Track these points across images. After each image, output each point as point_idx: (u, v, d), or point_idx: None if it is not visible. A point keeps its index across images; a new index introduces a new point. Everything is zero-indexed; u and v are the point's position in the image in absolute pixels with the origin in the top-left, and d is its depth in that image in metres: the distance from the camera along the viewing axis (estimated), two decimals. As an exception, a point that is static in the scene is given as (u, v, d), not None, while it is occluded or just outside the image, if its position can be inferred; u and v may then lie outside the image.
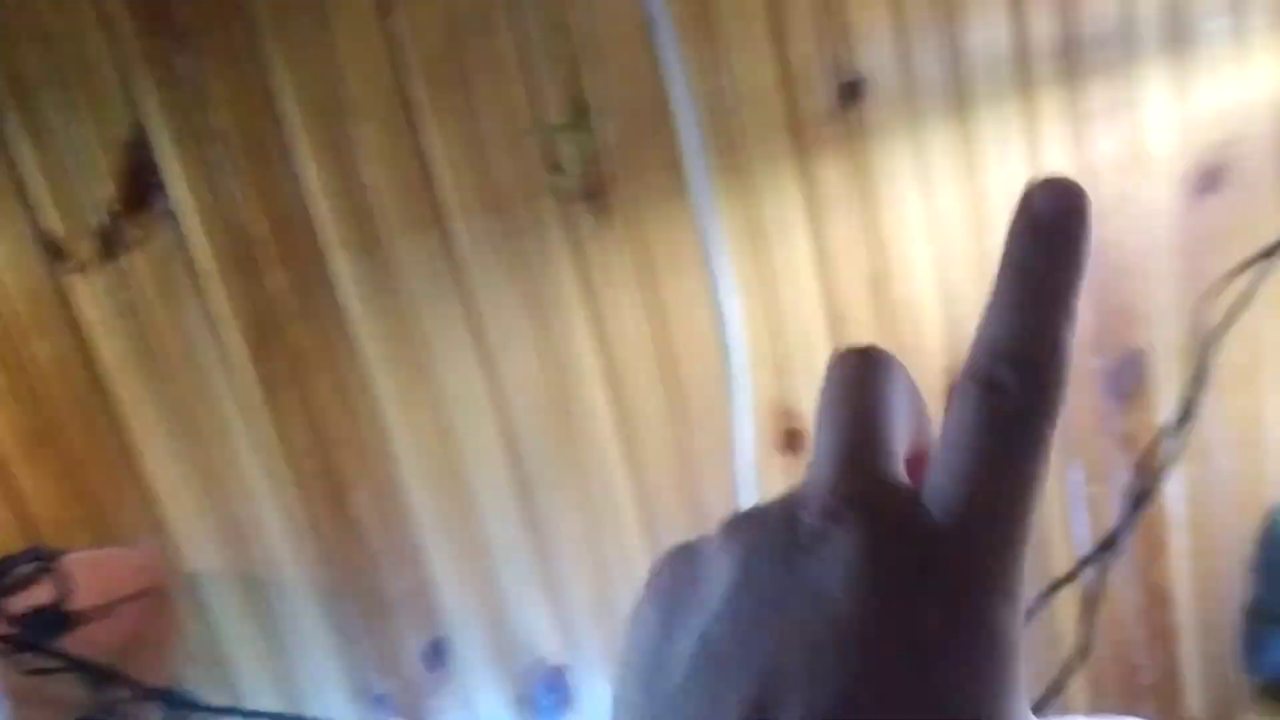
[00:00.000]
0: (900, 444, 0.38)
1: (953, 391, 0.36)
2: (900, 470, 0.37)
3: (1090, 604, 1.07)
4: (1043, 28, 0.97)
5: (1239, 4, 0.99)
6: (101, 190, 0.87)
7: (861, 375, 0.39)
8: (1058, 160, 1.00)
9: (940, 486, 0.36)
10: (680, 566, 0.40)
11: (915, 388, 0.40)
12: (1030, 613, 0.92)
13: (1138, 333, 1.09)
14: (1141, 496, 1.08)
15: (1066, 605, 1.09)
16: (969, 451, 0.35)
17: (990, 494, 0.35)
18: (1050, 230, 0.38)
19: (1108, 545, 1.07)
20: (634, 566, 1.03)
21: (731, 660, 0.36)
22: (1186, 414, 1.04)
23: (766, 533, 0.37)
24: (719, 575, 0.38)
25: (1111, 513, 1.10)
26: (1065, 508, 1.11)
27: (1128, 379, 1.12)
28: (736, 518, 0.38)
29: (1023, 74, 0.99)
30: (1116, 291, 1.09)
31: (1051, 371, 0.36)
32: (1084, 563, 1.07)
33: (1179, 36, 0.99)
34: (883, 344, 0.39)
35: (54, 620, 0.79)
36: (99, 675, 0.79)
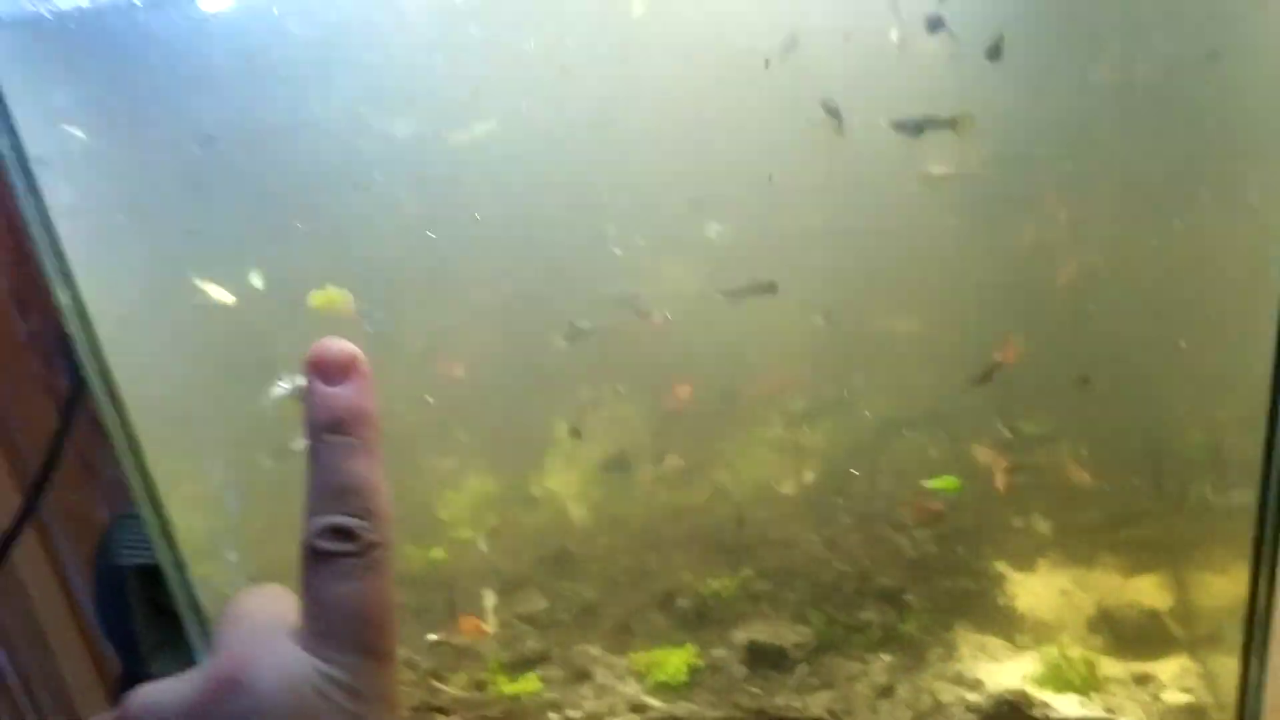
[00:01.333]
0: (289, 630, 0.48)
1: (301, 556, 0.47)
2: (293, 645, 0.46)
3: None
4: None
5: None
6: None
7: (251, 594, 0.51)
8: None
9: (319, 632, 0.46)
10: None
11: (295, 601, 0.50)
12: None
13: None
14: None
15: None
16: (338, 596, 0.46)
17: (365, 628, 0.46)
18: (335, 390, 0.49)
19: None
20: None
21: None
22: None
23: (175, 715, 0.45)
24: None
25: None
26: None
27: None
28: (140, 704, 0.46)
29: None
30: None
31: (374, 513, 0.47)
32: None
33: None
34: None
35: None
36: None
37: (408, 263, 0.86)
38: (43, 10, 0.62)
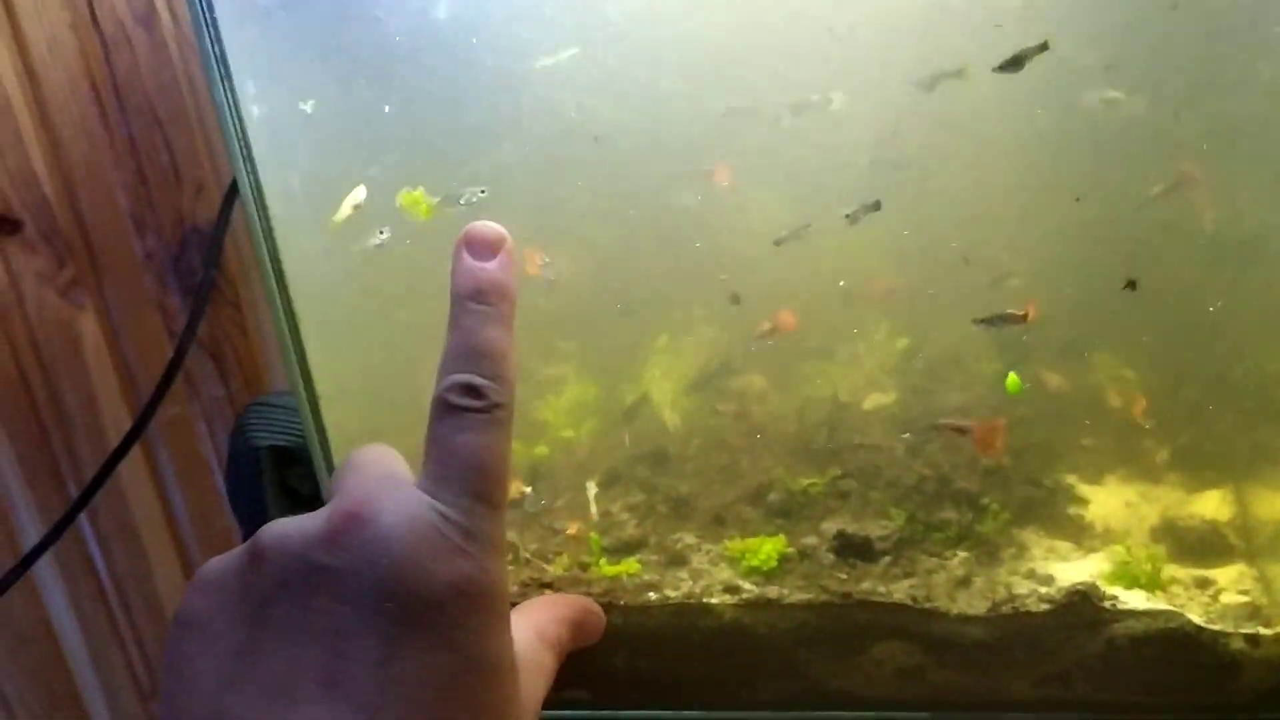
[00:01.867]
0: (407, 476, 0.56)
1: (431, 409, 0.54)
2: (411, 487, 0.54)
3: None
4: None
5: None
6: None
7: (367, 449, 0.58)
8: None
9: (437, 475, 0.53)
10: (208, 597, 0.52)
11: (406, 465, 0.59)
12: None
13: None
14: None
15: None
16: (458, 444, 0.53)
17: (480, 474, 0.52)
18: (481, 262, 0.55)
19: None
20: None
21: (301, 632, 0.49)
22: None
23: (301, 545, 0.51)
24: (242, 618, 0.50)
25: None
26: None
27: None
28: (271, 536, 0.52)
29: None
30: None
31: (501, 376, 0.54)
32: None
33: None
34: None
35: None
36: None
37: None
38: None
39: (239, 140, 0.77)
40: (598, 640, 0.76)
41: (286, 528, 0.51)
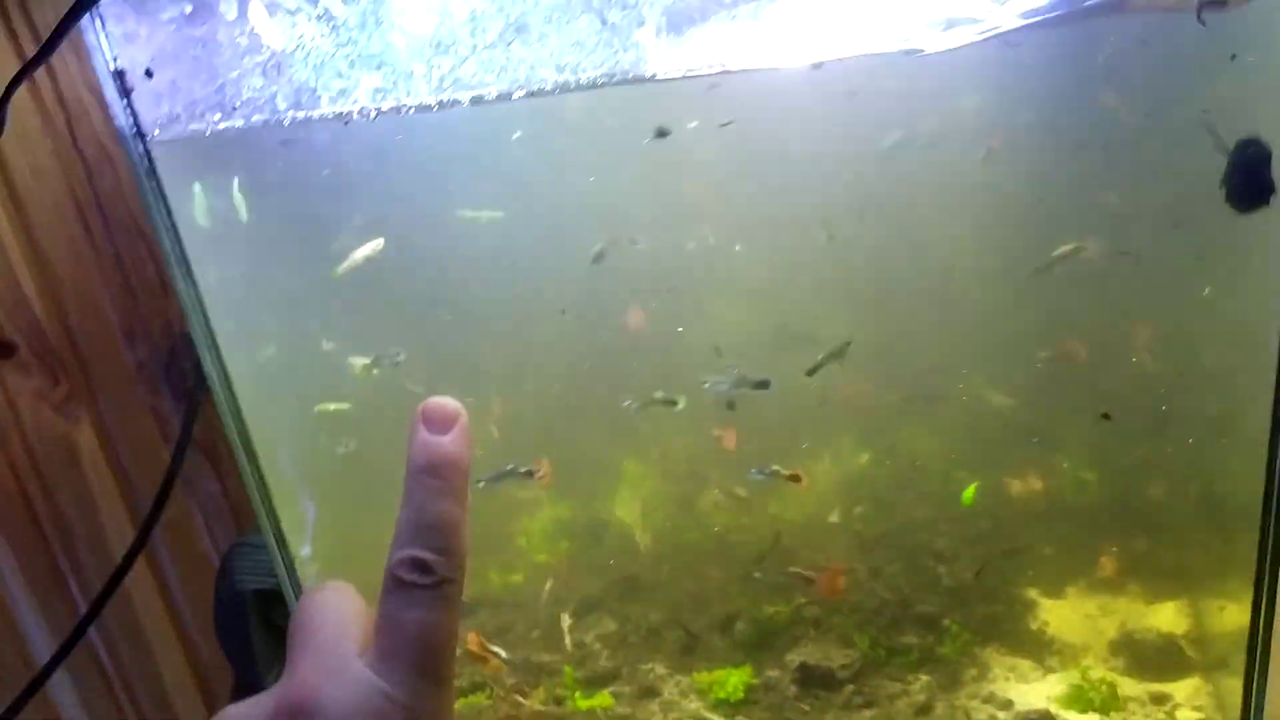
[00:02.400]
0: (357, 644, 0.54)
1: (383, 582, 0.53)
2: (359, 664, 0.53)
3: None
4: None
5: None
6: None
7: (323, 598, 0.57)
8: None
9: (387, 656, 0.52)
10: None
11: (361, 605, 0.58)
12: None
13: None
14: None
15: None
16: (408, 624, 0.52)
17: (430, 656, 0.52)
18: (437, 439, 0.56)
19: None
20: None
21: None
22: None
23: None
24: None
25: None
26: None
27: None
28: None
29: None
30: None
31: (453, 551, 0.53)
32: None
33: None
34: None
35: None
36: None
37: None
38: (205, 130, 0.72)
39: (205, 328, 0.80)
40: None
41: (239, 717, 0.52)
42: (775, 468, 0.95)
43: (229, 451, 1.46)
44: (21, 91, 1.29)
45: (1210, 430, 0.94)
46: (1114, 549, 1.00)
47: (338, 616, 0.56)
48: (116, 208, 1.36)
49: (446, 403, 0.58)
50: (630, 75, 0.70)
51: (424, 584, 0.53)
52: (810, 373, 0.89)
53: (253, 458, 0.87)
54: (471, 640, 0.97)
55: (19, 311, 1.35)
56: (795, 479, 0.96)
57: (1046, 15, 0.70)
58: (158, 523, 1.22)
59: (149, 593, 1.48)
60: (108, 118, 1.32)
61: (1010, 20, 0.70)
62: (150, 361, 1.42)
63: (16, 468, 1.37)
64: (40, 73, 1.29)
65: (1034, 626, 0.99)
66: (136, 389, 1.42)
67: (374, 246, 0.85)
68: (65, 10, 1.22)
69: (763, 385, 0.92)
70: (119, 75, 0.74)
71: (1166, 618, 0.97)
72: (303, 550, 0.96)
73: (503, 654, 0.96)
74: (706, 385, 0.91)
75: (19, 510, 1.38)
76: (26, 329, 1.35)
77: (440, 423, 0.58)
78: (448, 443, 0.57)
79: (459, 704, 0.98)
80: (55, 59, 1.29)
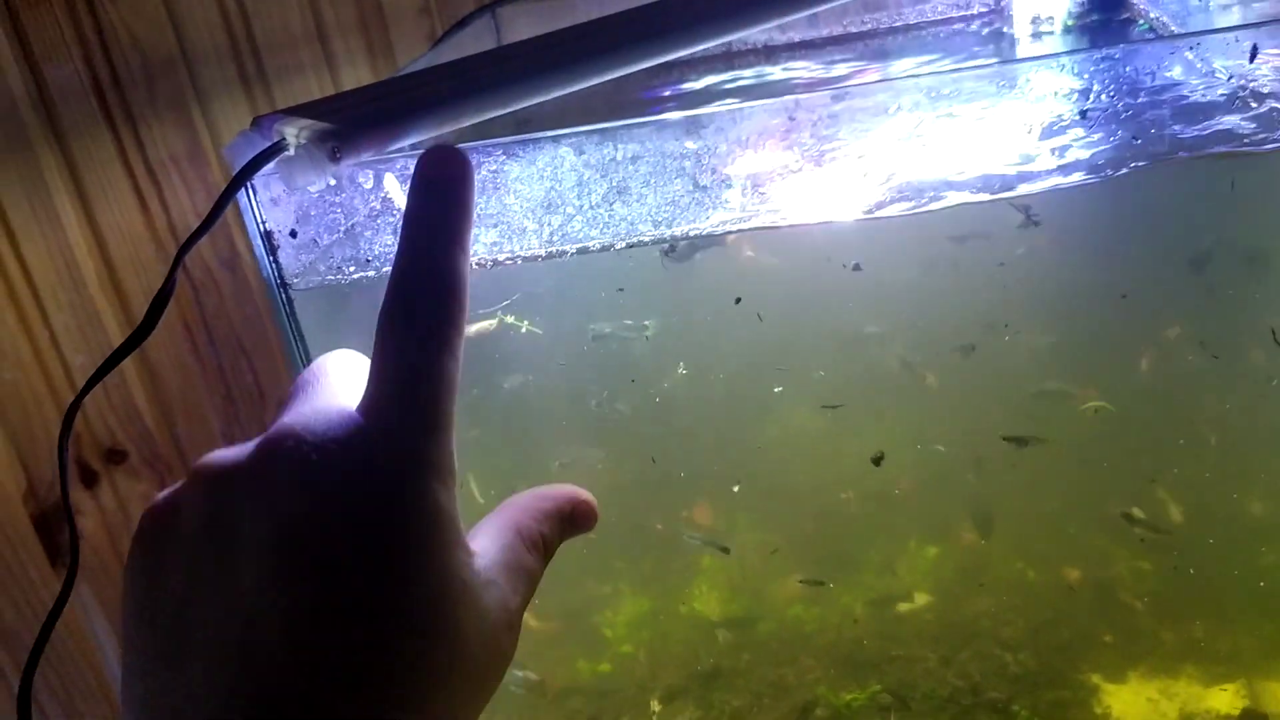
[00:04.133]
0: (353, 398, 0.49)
1: (377, 329, 0.48)
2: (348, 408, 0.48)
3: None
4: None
5: None
6: None
7: (327, 358, 0.53)
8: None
9: (373, 397, 0.47)
10: (160, 515, 0.48)
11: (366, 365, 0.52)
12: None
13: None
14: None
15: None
16: (394, 367, 0.47)
17: (416, 393, 0.47)
18: (436, 184, 0.50)
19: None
20: None
21: (214, 587, 0.45)
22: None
23: (229, 475, 0.47)
24: (193, 516, 0.47)
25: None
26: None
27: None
28: (204, 463, 0.48)
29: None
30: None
31: (445, 291, 0.48)
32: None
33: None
34: None
35: None
36: None
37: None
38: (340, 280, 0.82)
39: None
40: (590, 529, 0.62)
41: (223, 453, 0.49)
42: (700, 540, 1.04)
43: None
44: (136, 223, 1.42)
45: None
46: (1170, 634, 1.06)
47: (338, 373, 0.53)
48: (220, 325, 1.48)
49: (454, 150, 0.52)
50: (719, 229, 0.80)
51: (414, 331, 0.48)
52: (876, 461, 0.97)
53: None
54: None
55: (131, 421, 1.46)
56: (725, 551, 1.06)
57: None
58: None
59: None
60: (214, 244, 1.45)
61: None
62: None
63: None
64: (155, 204, 1.41)
65: (1098, 710, 1.04)
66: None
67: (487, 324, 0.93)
68: (177, 149, 1.34)
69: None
70: (268, 236, 0.84)
71: (1225, 699, 1.03)
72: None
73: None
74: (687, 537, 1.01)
75: (130, 608, 1.48)
76: (137, 437, 1.46)
77: (443, 164, 0.51)
78: (448, 174, 0.51)
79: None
80: (167, 190, 1.42)
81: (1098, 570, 1.08)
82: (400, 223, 0.50)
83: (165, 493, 0.49)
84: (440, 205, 0.50)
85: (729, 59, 1.46)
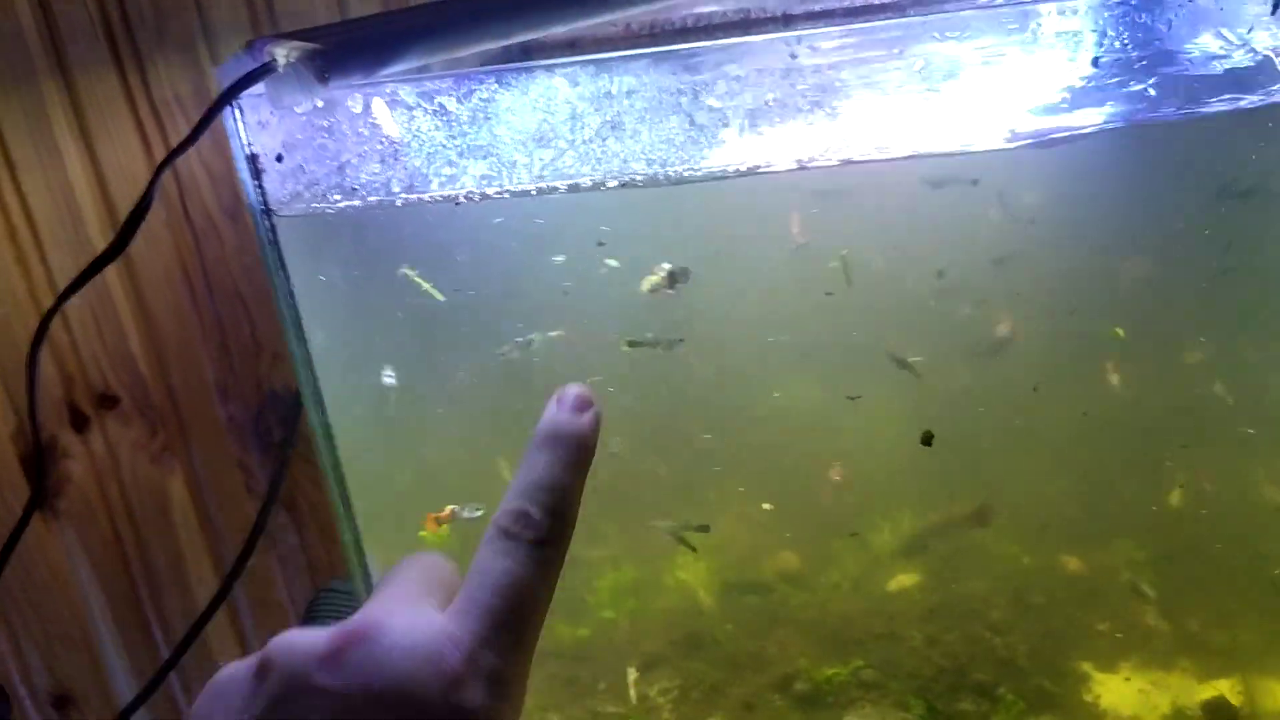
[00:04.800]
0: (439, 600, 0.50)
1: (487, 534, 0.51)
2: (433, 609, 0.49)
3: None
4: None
5: None
6: None
7: (416, 558, 0.55)
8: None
9: (466, 601, 0.48)
10: (226, 692, 0.50)
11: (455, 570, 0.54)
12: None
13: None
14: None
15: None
16: (496, 573, 0.49)
17: (511, 607, 0.48)
18: (578, 419, 0.54)
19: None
20: None
21: None
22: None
23: (302, 667, 0.48)
24: (261, 701, 0.47)
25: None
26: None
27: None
28: (279, 647, 0.50)
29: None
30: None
31: (564, 512, 0.51)
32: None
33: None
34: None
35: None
36: None
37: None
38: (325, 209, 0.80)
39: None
40: None
41: (295, 640, 0.50)
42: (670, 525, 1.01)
43: (309, 507, 1.55)
44: (138, 162, 1.41)
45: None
46: (1167, 626, 1.03)
47: (426, 574, 0.54)
48: (220, 274, 1.46)
49: (584, 390, 0.57)
50: (715, 170, 0.77)
51: (524, 537, 0.50)
52: (632, 344, 0.93)
53: (347, 503, 0.94)
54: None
55: (125, 366, 1.44)
56: (704, 529, 1.02)
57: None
58: (240, 576, 1.30)
59: (227, 640, 1.55)
60: (217, 192, 1.43)
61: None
62: (240, 418, 1.50)
63: (113, 512, 1.46)
64: (158, 147, 1.40)
65: (1087, 699, 1.01)
66: (226, 443, 1.50)
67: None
68: (182, 90, 1.33)
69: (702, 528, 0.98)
70: (252, 159, 0.82)
71: (1219, 694, 1.00)
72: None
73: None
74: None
75: (113, 553, 1.47)
76: (130, 383, 1.45)
77: (575, 404, 0.56)
78: (580, 420, 0.55)
79: (528, 751, 1.03)
80: (173, 137, 1.41)
81: (1096, 559, 1.05)
82: (539, 437, 0.53)
83: (241, 666, 0.51)
84: (577, 437, 0.54)
85: (746, 26, 1.43)
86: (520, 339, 0.93)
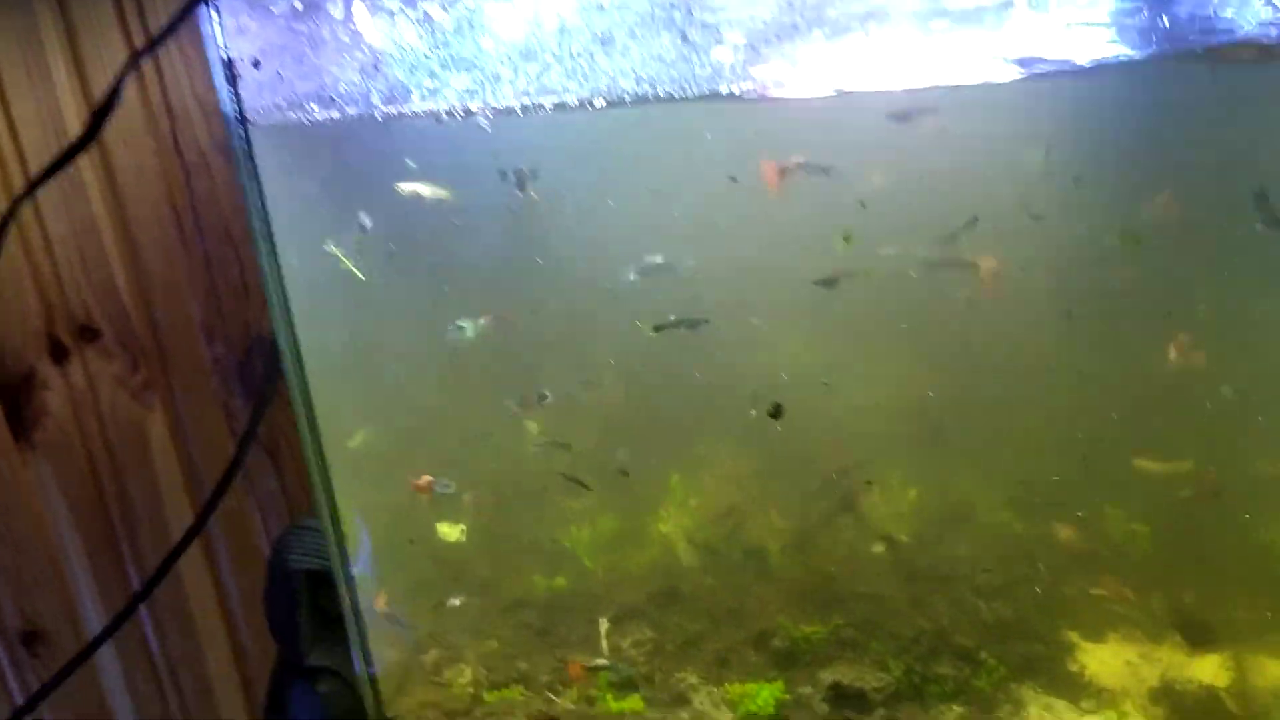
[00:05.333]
0: None
1: None
2: None
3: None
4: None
5: None
6: None
7: None
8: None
9: None
10: None
11: None
12: None
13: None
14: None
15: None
16: None
17: None
18: None
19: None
20: None
21: None
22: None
23: None
24: None
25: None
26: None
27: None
28: None
29: None
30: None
31: None
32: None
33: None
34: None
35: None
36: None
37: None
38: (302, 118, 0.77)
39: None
40: None
41: None
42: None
43: (290, 451, 1.52)
44: (130, 92, 1.38)
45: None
46: (1159, 599, 0.99)
47: None
48: (209, 212, 1.43)
49: None
50: (706, 91, 0.74)
51: None
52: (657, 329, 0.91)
53: (316, 439, 0.91)
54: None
55: (108, 299, 1.42)
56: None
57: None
58: (216, 510, 1.27)
59: (203, 581, 1.53)
60: (210, 127, 1.40)
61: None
62: (226, 359, 1.48)
63: (90, 446, 1.44)
64: (150, 76, 1.37)
65: (1072, 669, 0.98)
66: (210, 384, 1.48)
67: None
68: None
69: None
70: (228, 64, 0.79)
71: (1209, 670, 0.96)
72: (361, 535, 0.99)
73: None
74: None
75: (88, 487, 1.45)
76: (113, 316, 1.42)
77: None
78: None
79: (492, 697, 1.00)
80: (166, 66, 1.38)
81: (1089, 529, 1.02)
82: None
83: None
84: None
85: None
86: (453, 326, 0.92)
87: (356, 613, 0.97)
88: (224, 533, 1.51)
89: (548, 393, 0.98)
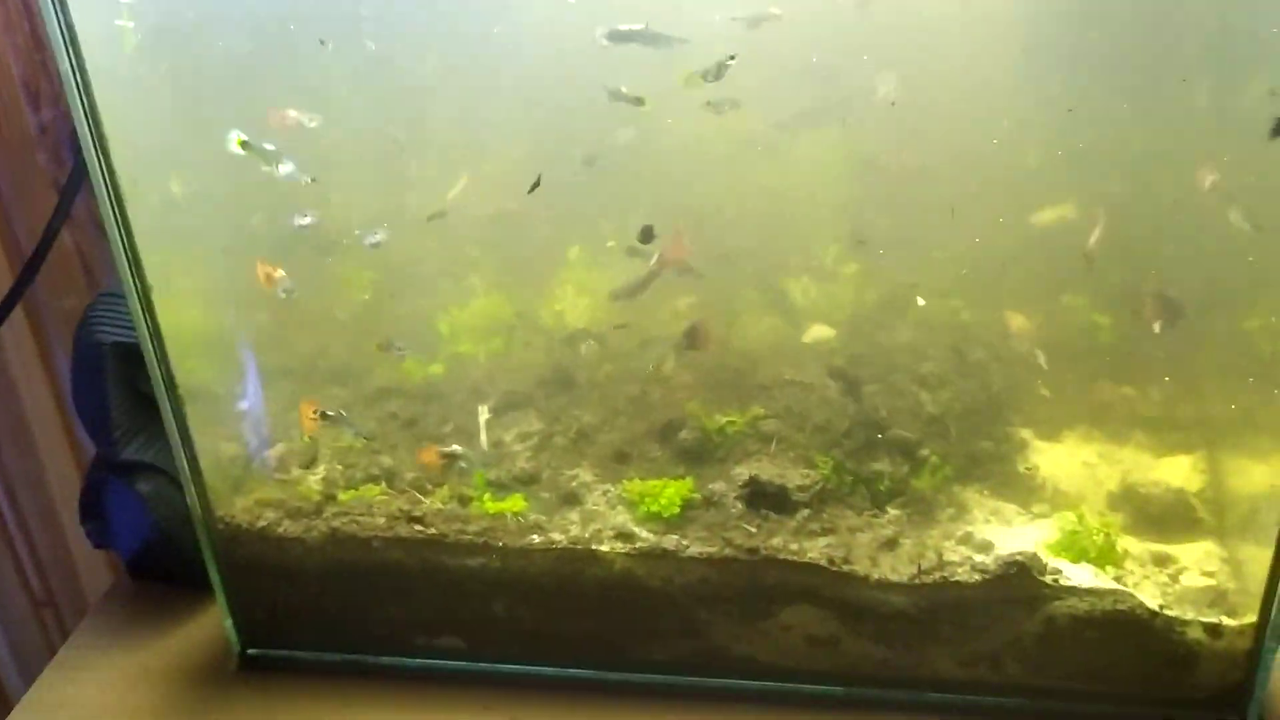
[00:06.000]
0: None
1: None
2: None
3: None
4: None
5: None
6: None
7: None
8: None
9: None
10: None
11: None
12: None
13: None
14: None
15: None
16: None
17: None
18: None
19: None
20: None
21: None
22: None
23: None
24: None
25: None
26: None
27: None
28: None
29: None
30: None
31: None
32: None
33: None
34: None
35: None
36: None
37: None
38: None
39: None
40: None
41: None
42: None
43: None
44: None
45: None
46: (1122, 392, 0.86)
47: None
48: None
49: None
50: None
51: None
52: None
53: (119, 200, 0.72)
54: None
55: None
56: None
57: None
58: (33, 280, 1.08)
59: (39, 387, 1.35)
60: None
61: None
62: (55, 127, 1.25)
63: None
64: None
65: (1023, 468, 0.85)
66: (38, 155, 1.26)
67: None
68: None
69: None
70: None
71: (1178, 472, 0.84)
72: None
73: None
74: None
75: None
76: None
77: None
78: None
79: (347, 496, 0.84)
80: None
81: (1046, 319, 0.88)
82: None
83: None
84: None
85: None
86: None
87: (172, 390, 0.79)
88: (63, 336, 1.32)
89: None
